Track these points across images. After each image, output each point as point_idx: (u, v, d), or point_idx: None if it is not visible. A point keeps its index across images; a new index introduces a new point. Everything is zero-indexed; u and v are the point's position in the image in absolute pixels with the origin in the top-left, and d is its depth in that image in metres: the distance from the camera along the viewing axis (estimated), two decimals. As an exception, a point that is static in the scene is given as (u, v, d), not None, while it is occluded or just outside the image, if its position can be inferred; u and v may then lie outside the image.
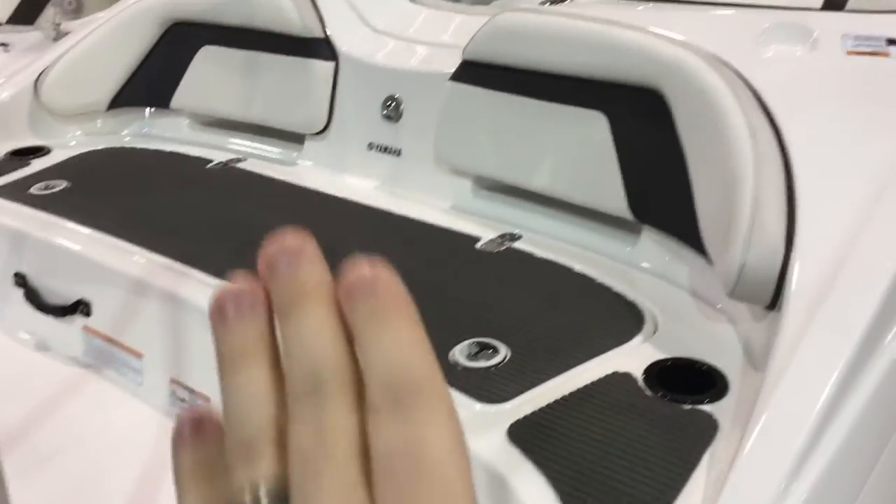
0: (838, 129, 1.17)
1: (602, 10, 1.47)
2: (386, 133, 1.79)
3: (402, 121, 1.76)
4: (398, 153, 1.78)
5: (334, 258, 0.33)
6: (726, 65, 1.27)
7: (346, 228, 1.57)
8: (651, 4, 1.49)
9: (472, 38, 1.56)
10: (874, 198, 1.08)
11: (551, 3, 1.61)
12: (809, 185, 1.10)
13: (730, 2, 1.40)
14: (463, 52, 1.58)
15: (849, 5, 1.34)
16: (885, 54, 1.25)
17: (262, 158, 1.98)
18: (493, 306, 1.27)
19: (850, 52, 1.26)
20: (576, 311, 1.27)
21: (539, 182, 1.51)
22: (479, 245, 1.50)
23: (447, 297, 1.30)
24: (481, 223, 1.60)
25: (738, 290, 1.08)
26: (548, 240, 1.51)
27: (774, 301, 1.06)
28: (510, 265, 1.43)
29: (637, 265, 1.41)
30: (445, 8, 1.92)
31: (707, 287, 1.27)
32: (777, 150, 1.15)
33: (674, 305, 1.28)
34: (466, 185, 1.66)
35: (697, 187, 1.25)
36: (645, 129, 1.35)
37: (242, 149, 2.03)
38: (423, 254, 1.48)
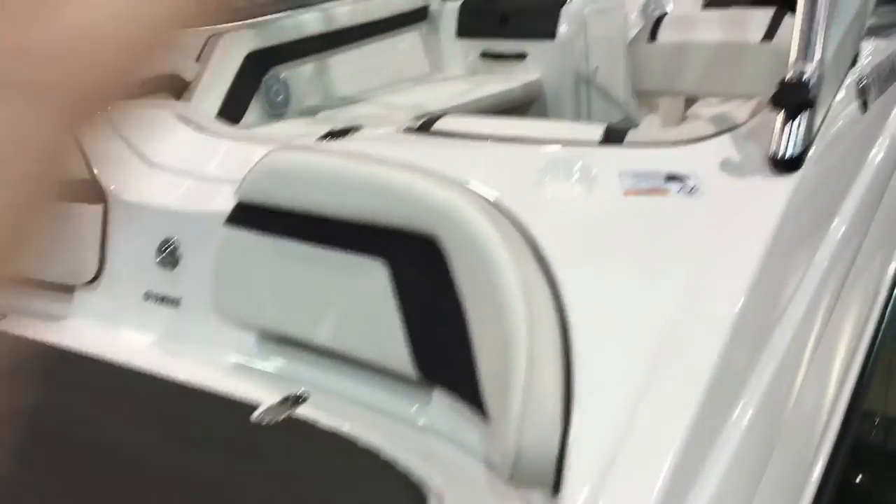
0: (617, 280, 1.08)
1: (381, 147, 1.36)
2: (163, 281, 1.60)
3: (179, 267, 1.57)
4: (177, 303, 1.59)
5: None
6: (503, 210, 1.17)
7: (109, 406, 1.36)
8: (432, 139, 1.39)
9: (245, 177, 1.41)
10: (654, 361, 0.98)
11: (330, 136, 1.48)
12: (587, 350, 0.99)
13: (509, 135, 1.32)
14: (236, 192, 1.43)
15: (627, 139, 1.28)
16: (664, 192, 1.19)
17: (25, 315, 1.74)
18: None
19: (628, 193, 1.19)
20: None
21: (323, 336, 1.36)
22: (256, 415, 1.31)
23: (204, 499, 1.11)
24: (266, 382, 1.42)
25: (516, 476, 0.95)
26: (336, 401, 1.35)
27: (557, 485, 0.94)
28: (288, 442, 1.25)
29: (430, 429, 1.26)
30: (237, 137, 1.77)
31: (501, 456, 1.13)
32: (553, 310, 1.04)
33: (466, 479, 1.14)
34: (251, 338, 1.49)
35: (477, 347, 1.13)
36: (425, 279, 1.23)
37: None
38: (190, 435, 1.29)
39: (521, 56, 3.54)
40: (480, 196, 1.19)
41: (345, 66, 3.36)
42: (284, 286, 1.39)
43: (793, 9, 2.47)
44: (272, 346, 1.47)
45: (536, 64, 3.51)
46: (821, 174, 1.26)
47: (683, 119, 2.82)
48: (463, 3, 3.70)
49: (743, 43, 2.20)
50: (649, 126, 2.59)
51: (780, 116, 1.18)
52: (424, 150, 1.34)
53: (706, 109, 2.79)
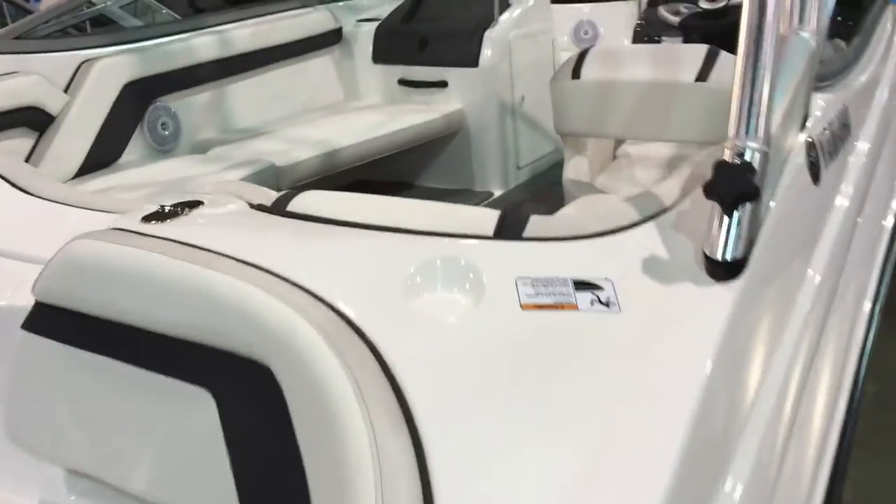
0: (508, 434, 0.80)
1: (217, 236, 1.06)
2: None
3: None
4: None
5: None
6: (359, 331, 0.88)
7: None
8: (286, 224, 1.09)
9: (42, 271, 1.10)
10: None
11: (153, 217, 1.13)
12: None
13: (378, 222, 1.03)
14: (33, 289, 1.11)
15: (529, 228, 1.00)
16: (573, 306, 0.92)
17: None
18: None
19: (526, 307, 0.91)
20: None
21: (135, 483, 1.05)
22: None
23: None
24: None
25: None
26: None
27: None
28: None
29: None
30: (66, 199, 1.45)
31: None
32: (415, 479, 0.76)
33: None
34: (58, 476, 1.17)
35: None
36: (259, 416, 0.94)
37: None
38: None
39: (441, 84, 3.26)
40: (331, 312, 0.90)
41: (246, 94, 3.04)
42: (88, 414, 1.07)
43: (727, 48, 2.25)
44: (84, 485, 1.15)
45: (458, 92, 3.24)
46: (768, 273, 1.01)
47: (614, 158, 2.58)
48: (379, 26, 3.41)
49: (675, 83, 1.97)
50: (576, 170, 2.33)
51: (717, 210, 0.92)
52: (272, 240, 1.04)
53: (636, 149, 2.55)
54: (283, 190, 2.56)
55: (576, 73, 2.09)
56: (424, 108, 3.21)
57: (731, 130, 0.97)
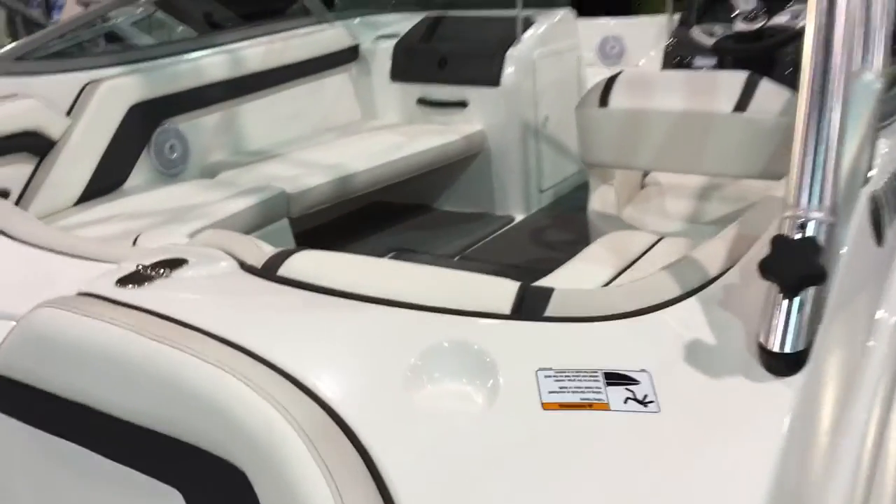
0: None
1: (197, 304, 0.93)
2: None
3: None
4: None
5: None
6: (348, 432, 0.75)
7: None
8: (276, 291, 0.96)
9: (3, 340, 0.98)
10: None
11: (129, 280, 1.01)
12: None
13: (377, 294, 0.89)
14: None
15: (550, 308, 0.87)
16: (603, 405, 0.78)
17: None
18: None
19: (548, 406, 0.78)
20: None
21: None
22: None
23: None
24: None
25: None
26: None
27: None
28: None
29: None
30: (46, 244, 1.33)
31: None
32: None
33: None
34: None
35: None
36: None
37: None
38: None
39: (461, 104, 3.14)
40: (317, 409, 0.77)
41: (258, 114, 2.92)
42: (46, 500, 0.95)
43: (764, 72, 2.10)
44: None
45: (479, 113, 3.11)
46: (834, 359, 0.86)
47: (642, 187, 2.43)
48: (398, 43, 3.29)
49: (711, 113, 1.82)
50: (602, 201, 2.19)
51: (774, 292, 0.78)
52: (257, 313, 0.91)
53: (666, 177, 2.40)
54: (294, 215, 2.46)
55: (603, 101, 1.95)
56: (444, 129, 3.09)
57: (791, 197, 0.83)
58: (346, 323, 0.88)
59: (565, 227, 3.03)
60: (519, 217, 3.13)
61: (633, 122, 1.94)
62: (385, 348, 0.84)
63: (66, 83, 2.33)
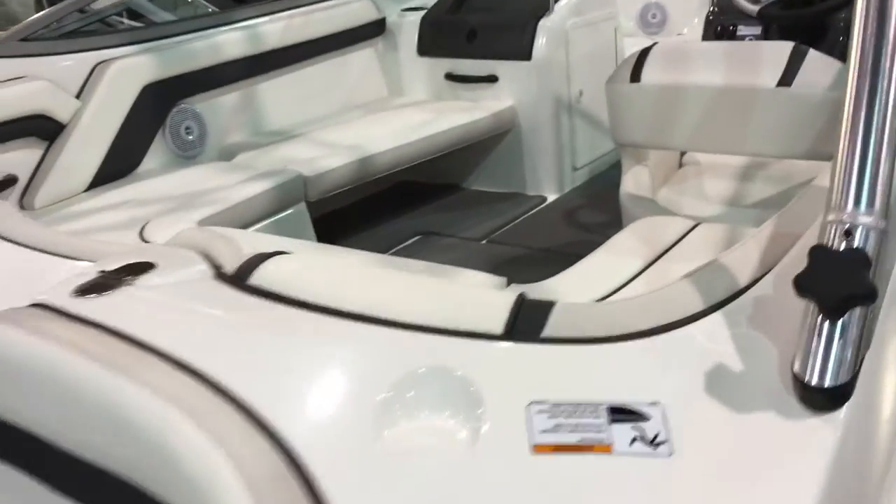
0: None
1: (157, 321, 0.83)
2: None
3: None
4: None
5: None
6: (307, 481, 0.64)
7: None
8: (246, 302, 0.85)
9: None
10: None
11: (88, 289, 0.91)
12: None
13: (352, 308, 0.78)
14: None
15: (548, 327, 0.74)
16: (605, 448, 0.66)
17: None
18: None
19: (540, 448, 0.66)
20: None
21: None
22: None
23: None
24: None
25: None
26: None
27: None
28: None
29: None
30: (37, 243, 1.24)
31: None
32: None
33: None
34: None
35: None
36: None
37: None
38: None
39: (491, 78, 2.99)
40: (274, 450, 0.66)
41: (279, 93, 2.82)
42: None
43: (815, 43, 1.92)
44: None
45: (510, 87, 2.97)
46: (880, 390, 0.73)
47: (680, 166, 2.27)
48: (425, 16, 3.15)
49: (752, 87, 1.66)
50: (635, 182, 2.05)
51: (812, 312, 0.64)
52: (220, 331, 0.81)
53: (705, 156, 2.24)
54: (311, 199, 2.35)
55: (635, 76, 1.81)
56: (472, 106, 2.95)
57: (835, 197, 0.69)
58: (315, 347, 0.77)
59: (600, 206, 2.88)
60: (552, 197, 2.99)
61: (668, 99, 1.79)
62: (356, 378, 0.73)
63: (75, 64, 2.25)
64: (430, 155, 2.72)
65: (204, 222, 1.94)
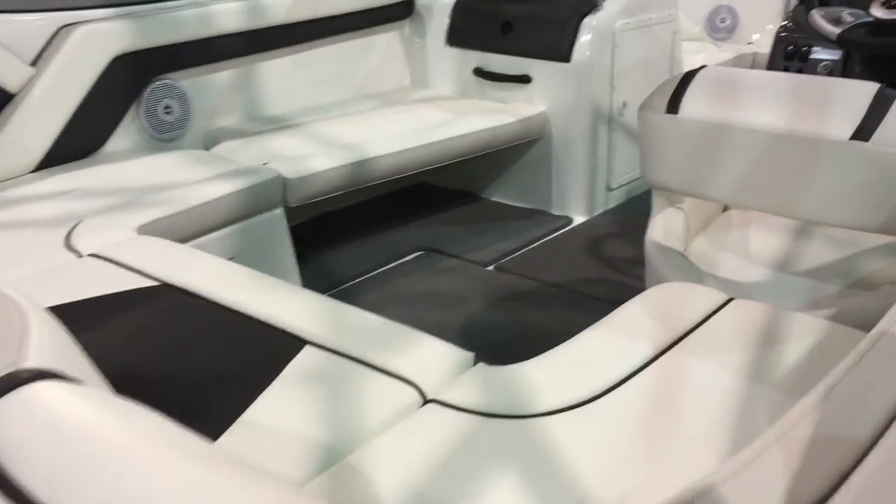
0: None
1: None
2: None
3: None
4: None
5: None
6: None
7: None
8: None
9: None
10: None
11: None
12: None
13: None
14: None
15: None
16: None
17: None
18: None
19: None
20: None
21: None
22: None
23: None
24: None
25: None
26: None
27: None
28: None
29: None
30: None
31: None
32: None
33: None
34: None
35: None
36: None
37: None
38: None
39: (524, 79, 2.64)
40: None
41: (282, 75, 2.51)
42: None
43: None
44: None
45: (543, 91, 2.61)
46: None
47: (724, 209, 1.91)
48: (458, 1, 2.80)
49: (818, 137, 1.30)
50: (665, 229, 1.69)
51: None
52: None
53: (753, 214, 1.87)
54: (291, 204, 2.04)
55: (673, 105, 1.45)
56: (499, 108, 2.60)
57: None
58: None
59: (633, 237, 2.51)
60: (579, 219, 2.64)
61: (711, 138, 1.43)
62: None
63: (34, 25, 1.96)
64: (442, 162, 2.39)
65: (146, 228, 1.64)
